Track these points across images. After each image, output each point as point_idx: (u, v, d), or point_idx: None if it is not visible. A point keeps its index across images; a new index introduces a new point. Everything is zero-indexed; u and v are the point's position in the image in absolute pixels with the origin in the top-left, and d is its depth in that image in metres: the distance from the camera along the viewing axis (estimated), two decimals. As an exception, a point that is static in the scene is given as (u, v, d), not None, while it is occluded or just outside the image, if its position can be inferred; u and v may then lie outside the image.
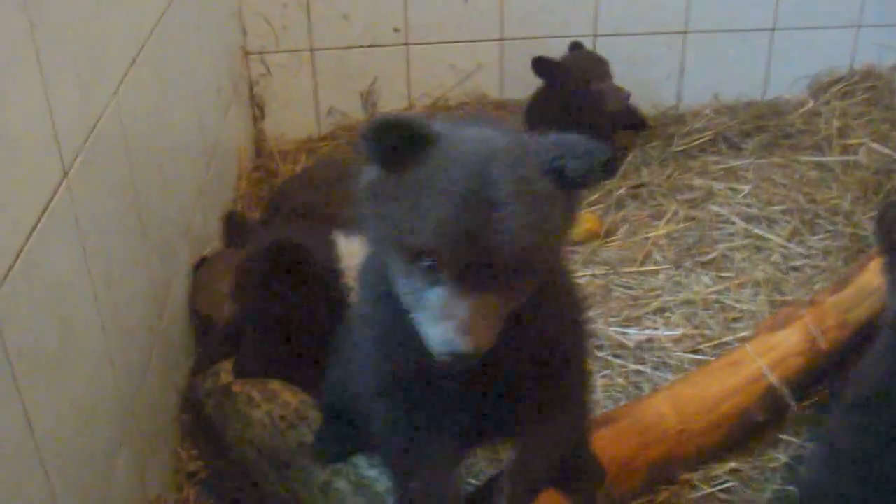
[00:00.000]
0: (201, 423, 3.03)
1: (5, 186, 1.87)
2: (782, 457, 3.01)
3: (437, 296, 1.76)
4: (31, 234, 1.97)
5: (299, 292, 2.88)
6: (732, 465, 2.97)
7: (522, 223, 1.72)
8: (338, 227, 3.03)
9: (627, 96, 4.52)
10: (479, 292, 1.75)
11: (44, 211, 2.05)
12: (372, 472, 2.44)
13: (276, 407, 2.75)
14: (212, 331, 3.20)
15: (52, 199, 2.09)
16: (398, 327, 1.95)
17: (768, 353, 3.08)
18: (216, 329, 3.17)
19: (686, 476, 2.91)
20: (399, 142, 1.76)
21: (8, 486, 1.83)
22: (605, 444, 2.74)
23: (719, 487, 2.90)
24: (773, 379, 3.02)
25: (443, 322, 1.76)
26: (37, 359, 1.98)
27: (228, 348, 3.02)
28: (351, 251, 2.96)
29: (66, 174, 2.18)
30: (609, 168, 3.42)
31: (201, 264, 3.40)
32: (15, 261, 1.89)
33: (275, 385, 2.84)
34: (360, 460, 2.49)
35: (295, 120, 4.90)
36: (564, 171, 1.79)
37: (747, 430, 3.02)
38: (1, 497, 1.80)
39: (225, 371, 2.94)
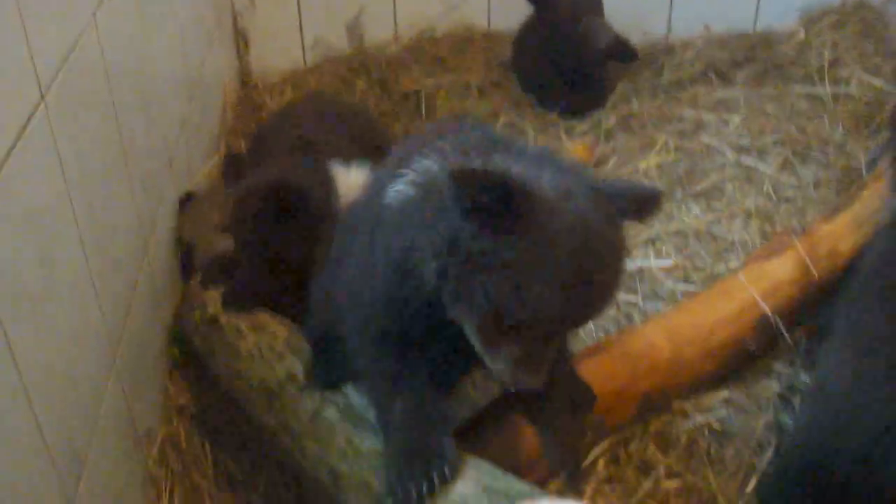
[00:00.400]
0: (189, 356, 3.00)
1: (-21, 107, 1.82)
2: (776, 386, 3.00)
3: (516, 349, 1.89)
4: (6, 157, 1.92)
5: (296, 231, 2.83)
6: (725, 394, 2.96)
7: (613, 293, 1.90)
8: (335, 159, 2.99)
9: (614, 35, 4.45)
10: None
11: (20, 134, 1.99)
12: (361, 400, 2.41)
13: (264, 338, 2.72)
14: (197, 261, 3.15)
15: (28, 121, 2.03)
16: (408, 292, 2.02)
17: (761, 282, 3.05)
18: (206, 259, 3.12)
19: (679, 405, 2.88)
20: (498, 203, 1.77)
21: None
22: (598, 373, 2.72)
23: (712, 417, 2.88)
24: (766, 307, 2.98)
25: (515, 370, 1.91)
26: (17, 286, 1.94)
27: (221, 278, 2.98)
28: (349, 184, 2.92)
29: (42, 97, 2.12)
30: (598, 99, 3.39)
31: (189, 198, 3.34)
32: (-9, 184, 1.84)
33: (263, 317, 2.81)
34: (349, 389, 2.46)
35: (280, 52, 4.80)
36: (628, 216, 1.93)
37: (740, 360, 3.00)
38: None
39: (212, 303, 2.90)
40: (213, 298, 2.92)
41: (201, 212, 3.24)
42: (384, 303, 2.12)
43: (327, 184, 2.95)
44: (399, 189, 2.06)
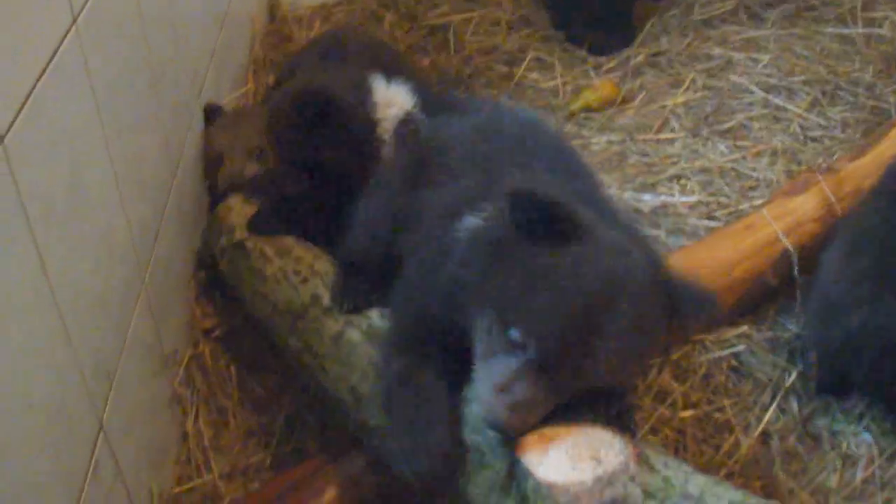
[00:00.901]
0: (216, 280, 3.05)
1: (13, 29, 1.84)
2: (793, 326, 3.01)
3: (507, 366, 1.90)
4: (39, 78, 1.95)
5: (328, 141, 2.85)
6: (744, 329, 2.98)
7: (619, 357, 1.88)
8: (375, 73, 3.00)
9: None
10: (545, 382, 1.88)
11: (53, 55, 2.02)
12: (384, 322, 2.45)
13: (289, 262, 2.76)
14: (223, 178, 3.18)
15: (60, 43, 2.07)
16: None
17: (784, 218, 3.06)
18: (234, 178, 3.15)
19: (698, 338, 2.91)
20: (546, 220, 1.85)
21: (23, 326, 1.85)
22: (618, 304, 2.75)
23: (730, 351, 2.91)
24: (787, 243, 3.00)
25: (498, 394, 1.90)
26: (49, 204, 1.98)
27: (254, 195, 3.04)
28: (387, 97, 2.93)
29: (75, 20, 2.15)
30: (627, 37, 3.34)
31: (214, 109, 3.35)
32: (24, 104, 1.87)
33: (287, 241, 2.85)
34: (373, 312, 2.51)
35: (309, -16, 4.81)
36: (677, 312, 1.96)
37: (761, 295, 3.02)
38: (17, 337, 1.82)
39: (239, 228, 2.94)
40: (239, 223, 2.96)
41: (233, 128, 3.25)
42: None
43: (364, 94, 2.95)
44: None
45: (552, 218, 1.87)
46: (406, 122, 2.88)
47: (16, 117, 1.84)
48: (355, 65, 3.39)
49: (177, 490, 2.66)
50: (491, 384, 1.92)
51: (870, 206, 2.81)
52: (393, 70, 3.29)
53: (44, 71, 1.98)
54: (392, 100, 2.93)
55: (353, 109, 2.86)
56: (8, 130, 1.79)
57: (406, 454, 2.05)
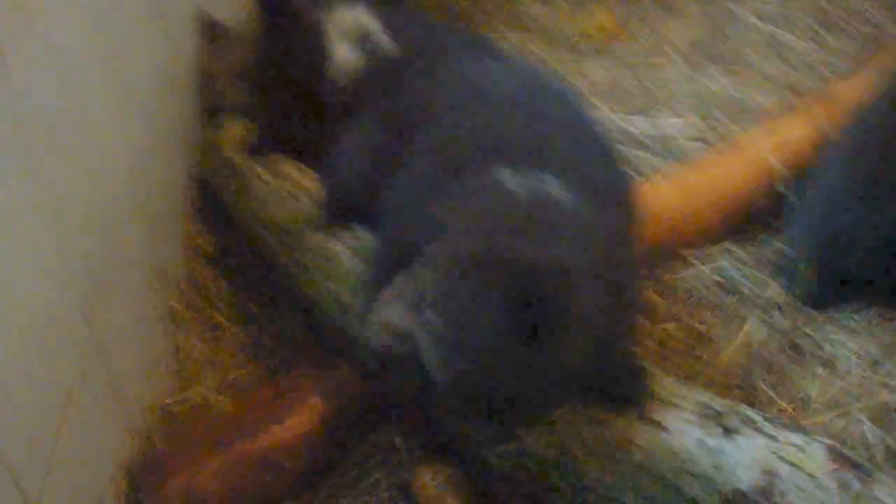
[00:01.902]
0: (209, 198, 3.09)
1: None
2: (778, 242, 3.03)
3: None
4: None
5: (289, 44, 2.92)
6: (730, 247, 3.01)
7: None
8: None
9: None
10: None
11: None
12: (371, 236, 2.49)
13: (279, 180, 2.80)
14: (218, 98, 3.21)
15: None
16: None
17: (772, 137, 3.08)
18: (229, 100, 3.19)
19: (685, 254, 2.95)
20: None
21: (14, 234, 1.89)
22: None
23: (714, 265, 2.94)
24: (773, 160, 3.01)
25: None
26: (43, 116, 2.02)
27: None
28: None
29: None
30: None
31: (213, 27, 3.36)
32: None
33: (280, 161, 2.88)
34: (361, 229, 2.54)
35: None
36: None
37: (749, 215, 3.04)
38: (8, 245, 1.87)
39: (232, 147, 2.98)
40: (232, 143, 3.00)
41: (227, 51, 3.27)
42: None
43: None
44: None
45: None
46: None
47: (13, 32, 1.88)
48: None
49: (168, 401, 2.71)
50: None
51: (871, 110, 2.86)
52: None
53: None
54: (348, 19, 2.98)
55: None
56: (5, 44, 1.82)
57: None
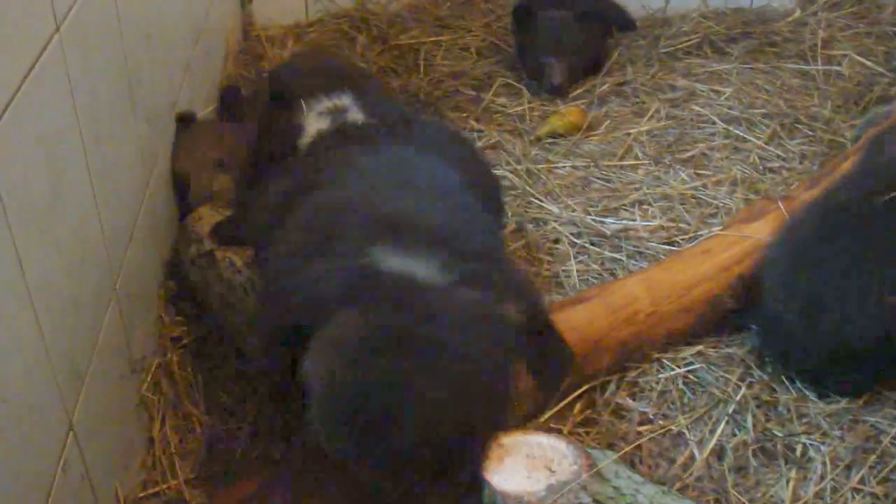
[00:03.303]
0: (185, 289, 3.10)
1: (-1, 34, 1.91)
2: (749, 343, 3.10)
3: None
4: (22, 82, 2.01)
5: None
6: (700, 348, 3.06)
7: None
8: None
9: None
10: None
11: (35, 61, 2.08)
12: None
13: (257, 272, 2.82)
14: (192, 195, 3.24)
15: (44, 49, 2.12)
16: None
17: (740, 244, 3.15)
18: (201, 194, 3.22)
19: (655, 356, 2.99)
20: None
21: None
22: (577, 322, 2.84)
23: (687, 369, 2.99)
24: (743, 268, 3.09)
25: None
26: (28, 204, 2.03)
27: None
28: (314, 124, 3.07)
29: (58, 28, 2.21)
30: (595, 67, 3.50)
31: (188, 118, 3.42)
32: (7, 106, 1.93)
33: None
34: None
35: (283, 5, 4.88)
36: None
37: (717, 316, 3.10)
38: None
39: (208, 238, 3.00)
40: (209, 234, 3.02)
41: (197, 145, 3.32)
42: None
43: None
44: None
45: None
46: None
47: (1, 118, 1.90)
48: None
49: (142, 494, 2.69)
50: None
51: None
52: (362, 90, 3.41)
53: (27, 75, 2.03)
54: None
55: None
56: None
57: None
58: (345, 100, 3.17)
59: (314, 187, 2.65)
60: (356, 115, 3.10)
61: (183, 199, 3.30)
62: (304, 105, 3.17)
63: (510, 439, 2.07)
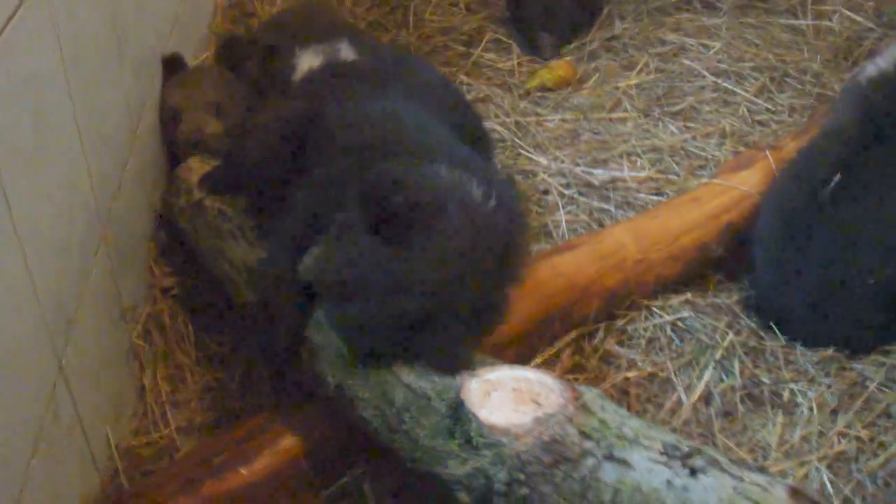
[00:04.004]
0: (176, 239, 3.11)
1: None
2: (736, 293, 3.12)
3: None
4: (6, 23, 2.01)
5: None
6: (688, 296, 3.08)
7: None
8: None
9: None
10: None
11: (20, 4, 2.08)
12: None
13: (246, 219, 2.83)
14: (181, 134, 3.23)
15: (27, -7, 2.13)
16: None
17: (729, 192, 3.16)
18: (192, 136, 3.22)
19: (643, 304, 3.01)
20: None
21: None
22: (565, 269, 2.87)
23: (675, 316, 3.00)
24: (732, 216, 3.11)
25: None
26: (14, 145, 2.04)
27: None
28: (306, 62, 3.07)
29: (42, -27, 2.21)
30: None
31: (175, 61, 3.42)
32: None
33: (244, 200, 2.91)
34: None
35: (273, -40, 4.85)
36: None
37: (705, 265, 3.12)
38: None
39: (197, 188, 3.00)
40: (196, 183, 3.03)
41: (195, 84, 3.31)
42: None
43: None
44: None
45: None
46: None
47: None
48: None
49: (134, 442, 2.71)
50: None
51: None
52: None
53: (11, 16, 2.03)
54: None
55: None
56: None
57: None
58: (337, 43, 3.18)
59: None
60: (348, 53, 3.14)
61: (171, 141, 3.28)
62: (296, 47, 3.19)
63: (497, 374, 2.08)
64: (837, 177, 2.90)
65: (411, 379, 2.18)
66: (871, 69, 3.23)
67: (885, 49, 3.40)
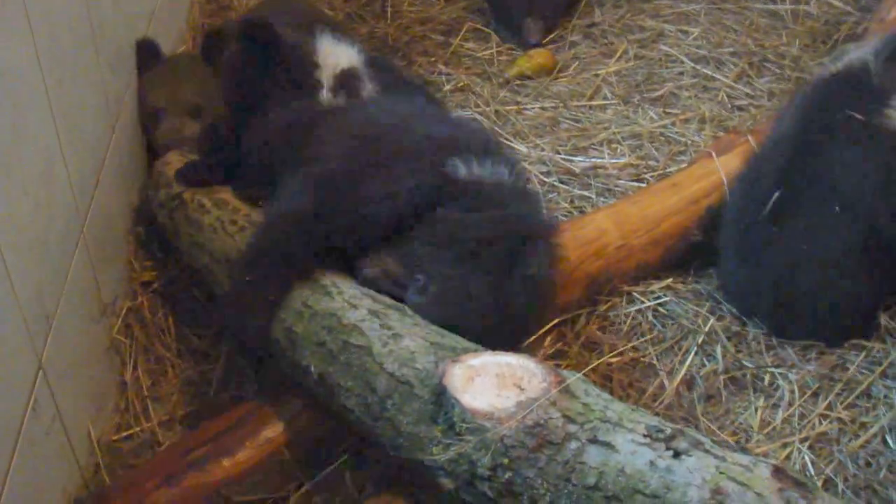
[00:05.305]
0: (154, 234, 3.09)
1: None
2: (717, 279, 3.12)
3: None
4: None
5: (268, 73, 2.94)
6: (669, 282, 3.08)
7: None
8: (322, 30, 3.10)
9: None
10: None
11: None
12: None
13: (226, 212, 2.82)
14: (161, 134, 3.22)
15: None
16: None
17: (709, 177, 3.17)
18: (173, 136, 3.20)
19: (625, 290, 3.01)
20: None
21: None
22: (548, 256, 2.84)
23: (656, 302, 3.01)
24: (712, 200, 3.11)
25: None
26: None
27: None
28: (333, 50, 3.03)
29: (15, -31, 2.20)
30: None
31: (148, 46, 3.39)
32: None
33: (225, 193, 2.90)
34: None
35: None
36: None
37: (685, 250, 3.12)
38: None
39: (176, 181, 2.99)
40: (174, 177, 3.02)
41: (176, 83, 3.29)
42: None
43: (310, 39, 3.06)
44: None
45: None
46: (349, 74, 2.98)
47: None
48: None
49: (115, 437, 2.70)
50: None
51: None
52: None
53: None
54: (336, 51, 3.02)
55: (293, 45, 2.94)
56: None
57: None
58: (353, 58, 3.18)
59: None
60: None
61: (151, 137, 3.29)
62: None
63: (480, 360, 2.08)
64: (776, 194, 2.86)
65: (394, 366, 2.17)
66: (823, 71, 3.18)
67: (858, 46, 3.36)
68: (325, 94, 2.98)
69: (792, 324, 2.89)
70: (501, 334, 2.37)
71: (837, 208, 2.80)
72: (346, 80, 3.00)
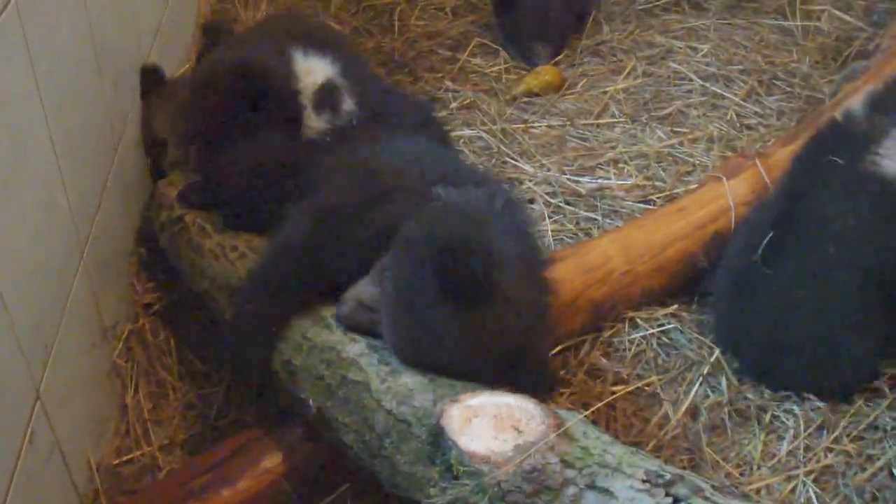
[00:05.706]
0: (156, 255, 3.08)
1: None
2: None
3: None
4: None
5: (260, 113, 2.90)
6: (674, 309, 3.06)
7: None
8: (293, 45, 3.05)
9: None
10: None
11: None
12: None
13: (227, 237, 2.81)
14: (168, 159, 3.20)
15: (-1, 16, 2.09)
16: None
17: (716, 201, 3.14)
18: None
19: (629, 316, 2.99)
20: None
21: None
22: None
23: (660, 329, 2.99)
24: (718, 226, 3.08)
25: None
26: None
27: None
28: (308, 68, 2.98)
29: (13, -4, 2.18)
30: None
31: (155, 72, 3.36)
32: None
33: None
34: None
35: (257, -35, 4.82)
36: None
37: (691, 276, 3.09)
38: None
39: (179, 203, 2.98)
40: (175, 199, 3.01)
41: (176, 111, 3.26)
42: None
43: (284, 64, 3.01)
44: None
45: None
46: (327, 88, 2.95)
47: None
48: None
49: (116, 462, 2.69)
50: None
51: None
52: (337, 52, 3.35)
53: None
54: (308, 67, 2.99)
55: (277, 80, 2.91)
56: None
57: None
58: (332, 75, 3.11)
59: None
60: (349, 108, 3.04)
61: (156, 163, 3.27)
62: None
63: (478, 400, 2.06)
64: (768, 238, 2.81)
65: (392, 404, 2.16)
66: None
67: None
68: (309, 116, 2.94)
69: (782, 374, 2.83)
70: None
71: (832, 250, 2.76)
72: (325, 97, 2.96)
